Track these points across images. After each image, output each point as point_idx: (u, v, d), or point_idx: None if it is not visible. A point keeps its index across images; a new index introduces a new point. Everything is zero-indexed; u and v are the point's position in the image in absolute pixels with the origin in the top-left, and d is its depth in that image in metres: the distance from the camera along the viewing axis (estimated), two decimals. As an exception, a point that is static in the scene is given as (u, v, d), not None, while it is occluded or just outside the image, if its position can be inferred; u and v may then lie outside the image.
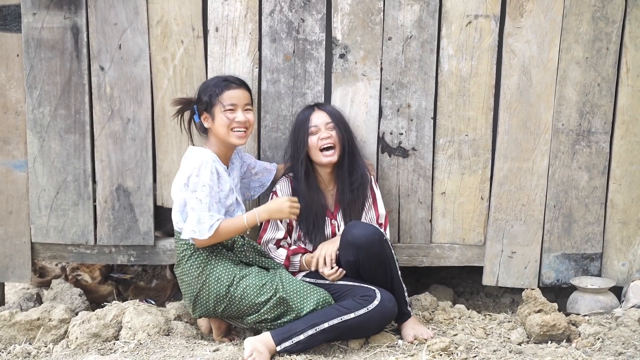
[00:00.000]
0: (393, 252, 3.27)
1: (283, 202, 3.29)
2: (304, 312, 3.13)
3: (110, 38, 3.57)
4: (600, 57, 3.57)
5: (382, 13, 3.56)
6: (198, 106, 3.30)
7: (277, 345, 3.04)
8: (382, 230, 3.27)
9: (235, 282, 3.18)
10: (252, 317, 3.19)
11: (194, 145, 3.36)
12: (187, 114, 3.38)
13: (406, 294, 3.33)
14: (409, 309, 3.34)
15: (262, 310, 3.16)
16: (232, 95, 3.24)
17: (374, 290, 3.16)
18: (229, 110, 3.23)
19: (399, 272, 3.30)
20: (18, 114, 3.62)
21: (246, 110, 3.27)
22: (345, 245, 3.25)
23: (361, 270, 3.25)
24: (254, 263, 3.32)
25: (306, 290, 3.18)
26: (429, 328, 3.36)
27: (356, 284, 3.24)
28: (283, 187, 3.49)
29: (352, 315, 3.10)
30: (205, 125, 3.29)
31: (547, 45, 3.55)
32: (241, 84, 3.31)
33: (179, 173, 3.25)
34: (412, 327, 3.30)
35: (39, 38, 3.55)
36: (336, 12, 3.56)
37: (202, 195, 3.14)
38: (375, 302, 3.12)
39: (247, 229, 3.25)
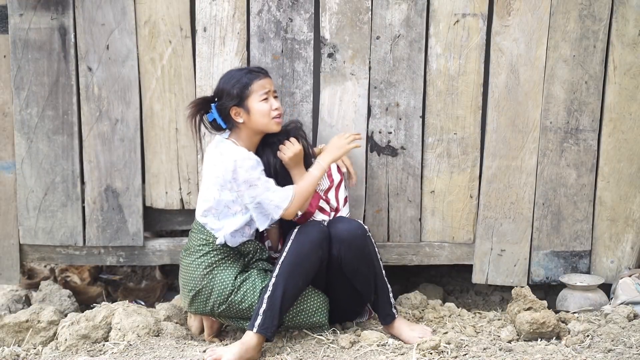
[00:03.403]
0: (377, 250, 3.25)
1: (337, 138, 3.36)
2: (297, 313, 3.14)
3: (97, 38, 3.55)
4: (588, 55, 3.58)
5: (370, 12, 3.56)
6: (224, 103, 3.22)
7: (252, 329, 3.03)
8: (365, 227, 3.26)
9: (236, 288, 3.19)
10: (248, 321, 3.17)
11: (202, 146, 3.39)
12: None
13: (391, 294, 3.30)
14: (394, 310, 3.29)
15: None
16: (262, 84, 3.22)
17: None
18: (264, 99, 3.21)
19: (384, 272, 3.28)
20: (5, 115, 3.61)
21: (275, 97, 3.27)
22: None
23: (343, 266, 3.21)
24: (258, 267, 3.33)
25: (304, 293, 3.19)
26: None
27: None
28: None
29: (284, 254, 3.11)
30: (239, 120, 3.21)
31: (535, 44, 3.56)
32: (265, 71, 3.29)
33: (214, 168, 3.20)
34: (411, 329, 3.26)
35: (26, 39, 3.53)
36: (324, 11, 3.56)
37: (263, 181, 3.16)
38: (294, 231, 3.17)
39: (319, 180, 3.28)
